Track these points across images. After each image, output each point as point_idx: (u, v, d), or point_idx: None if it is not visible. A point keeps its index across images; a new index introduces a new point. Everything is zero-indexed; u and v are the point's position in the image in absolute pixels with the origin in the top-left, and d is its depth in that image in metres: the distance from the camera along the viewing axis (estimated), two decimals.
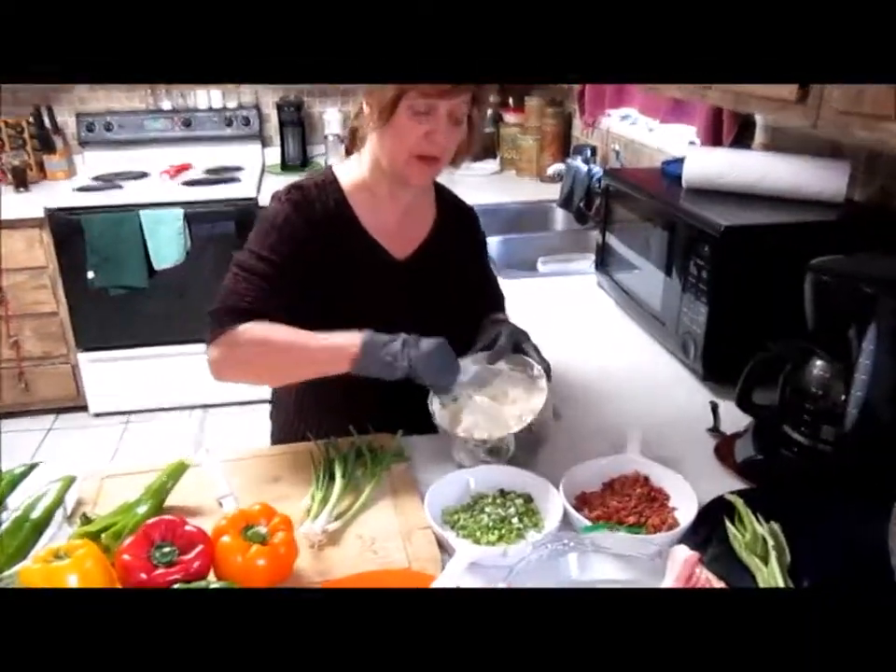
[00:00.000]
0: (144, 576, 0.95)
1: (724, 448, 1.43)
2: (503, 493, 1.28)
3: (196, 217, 3.28)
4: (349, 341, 1.28)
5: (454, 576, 1.05)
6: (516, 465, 1.31)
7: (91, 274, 3.26)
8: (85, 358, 3.52)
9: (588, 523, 1.17)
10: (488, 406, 1.36)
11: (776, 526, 1.19)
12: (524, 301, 2.12)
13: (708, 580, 1.04)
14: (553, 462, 1.35)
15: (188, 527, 1.02)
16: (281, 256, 1.36)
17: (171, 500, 1.22)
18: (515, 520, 1.21)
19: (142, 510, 1.15)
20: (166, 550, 0.98)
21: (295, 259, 1.37)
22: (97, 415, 3.66)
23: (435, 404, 1.36)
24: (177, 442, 3.43)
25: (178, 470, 1.22)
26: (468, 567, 1.08)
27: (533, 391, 1.38)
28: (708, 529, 1.18)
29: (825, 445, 1.27)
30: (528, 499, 1.27)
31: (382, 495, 1.27)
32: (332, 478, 1.27)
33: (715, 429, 1.51)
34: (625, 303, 2.05)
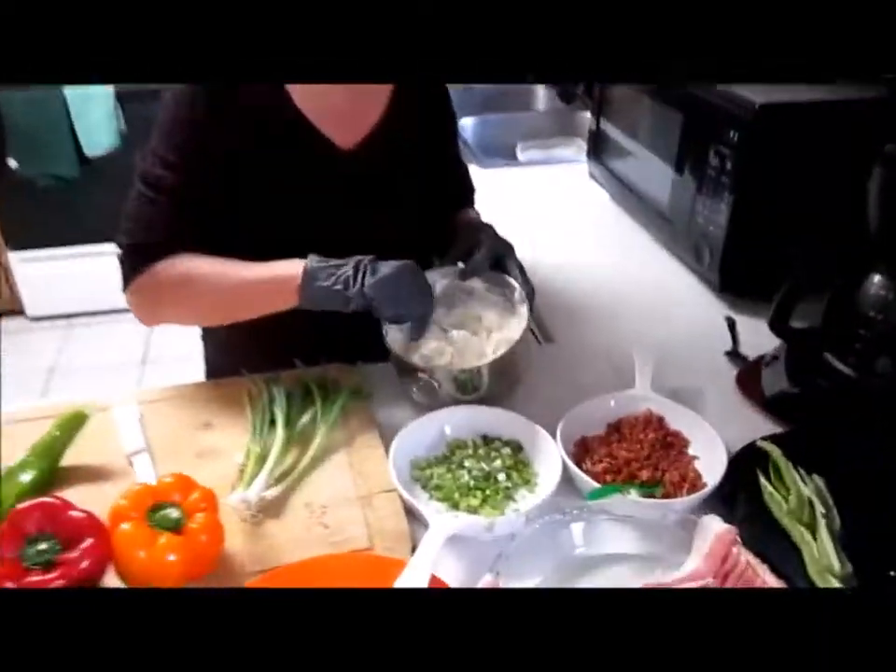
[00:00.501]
0: (11, 584, 0.70)
1: (748, 378, 1.20)
2: (486, 440, 1.04)
3: (130, 95, 2.87)
4: (289, 270, 1.03)
5: (427, 559, 0.82)
6: (494, 405, 1.07)
7: (13, 163, 2.89)
8: (16, 258, 3.18)
9: (592, 483, 0.94)
10: (457, 332, 1.10)
11: (820, 482, 0.97)
12: (500, 195, 1.83)
13: (750, 565, 0.83)
14: (543, 399, 1.11)
15: (73, 513, 0.77)
16: (192, 158, 1.07)
17: (68, 459, 0.96)
18: (502, 476, 0.98)
19: (27, 477, 0.89)
20: (43, 546, 0.74)
21: (211, 160, 1.08)
22: (35, 319, 3.36)
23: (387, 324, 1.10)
24: (126, 348, 3.17)
25: (74, 423, 0.96)
26: (445, 542, 0.85)
27: (510, 319, 1.13)
28: (734, 485, 0.96)
29: (879, 380, 1.04)
30: (517, 448, 1.03)
31: (335, 446, 1.03)
32: (273, 425, 1.02)
33: (734, 353, 1.28)
34: (624, 198, 1.77)
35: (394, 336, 1.10)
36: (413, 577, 0.80)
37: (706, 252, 1.39)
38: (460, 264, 1.15)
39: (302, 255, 1.03)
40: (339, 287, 1.00)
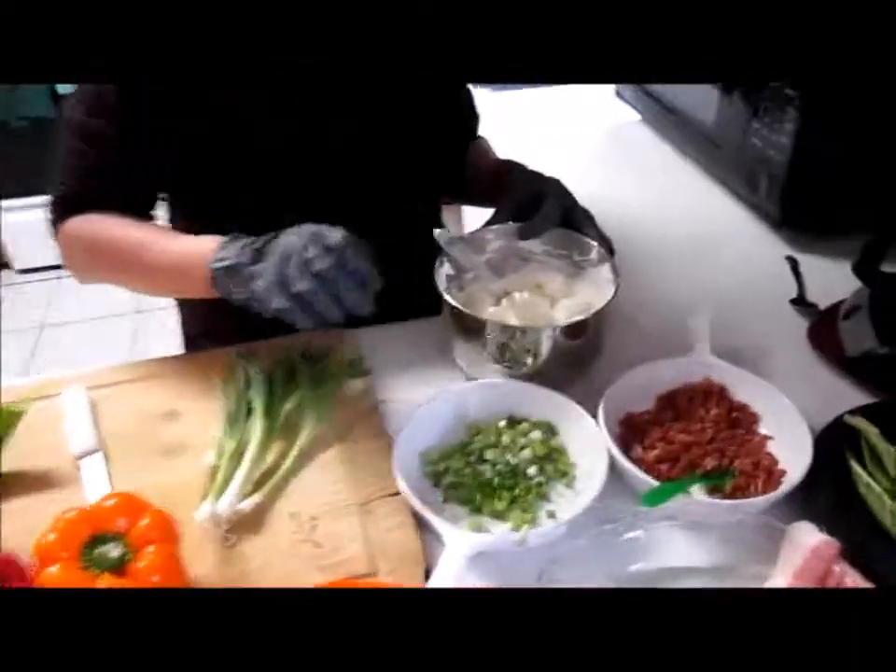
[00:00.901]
0: None
1: (823, 332, 1.00)
2: (512, 423, 0.86)
3: None
4: (200, 247, 0.85)
5: (446, 586, 0.65)
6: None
7: None
8: None
9: (644, 478, 0.75)
10: (518, 294, 0.92)
11: None
12: (514, 120, 1.60)
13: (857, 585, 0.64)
14: (578, 370, 0.92)
15: None
16: (121, 103, 0.91)
17: (7, 462, 0.79)
18: (533, 469, 0.80)
19: None
20: None
21: (145, 103, 0.91)
22: (23, 272, 3.18)
23: (443, 276, 0.91)
24: (120, 300, 2.98)
25: (6, 422, 0.78)
26: (467, 563, 0.67)
27: (581, 284, 0.95)
28: (816, 474, 0.77)
29: None
30: (550, 432, 0.85)
31: (328, 437, 0.84)
32: (249, 413, 0.83)
33: (802, 301, 1.07)
34: (657, 119, 1.53)
35: (457, 294, 0.91)
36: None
37: (762, 180, 1.17)
38: (507, 222, 0.95)
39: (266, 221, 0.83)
40: (246, 290, 0.79)
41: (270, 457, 0.80)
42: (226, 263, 0.80)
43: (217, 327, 1.05)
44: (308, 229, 0.78)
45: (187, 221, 1.02)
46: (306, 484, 0.79)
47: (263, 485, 0.77)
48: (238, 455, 0.79)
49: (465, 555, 0.67)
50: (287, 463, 0.79)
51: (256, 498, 0.75)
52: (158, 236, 0.92)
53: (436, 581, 0.65)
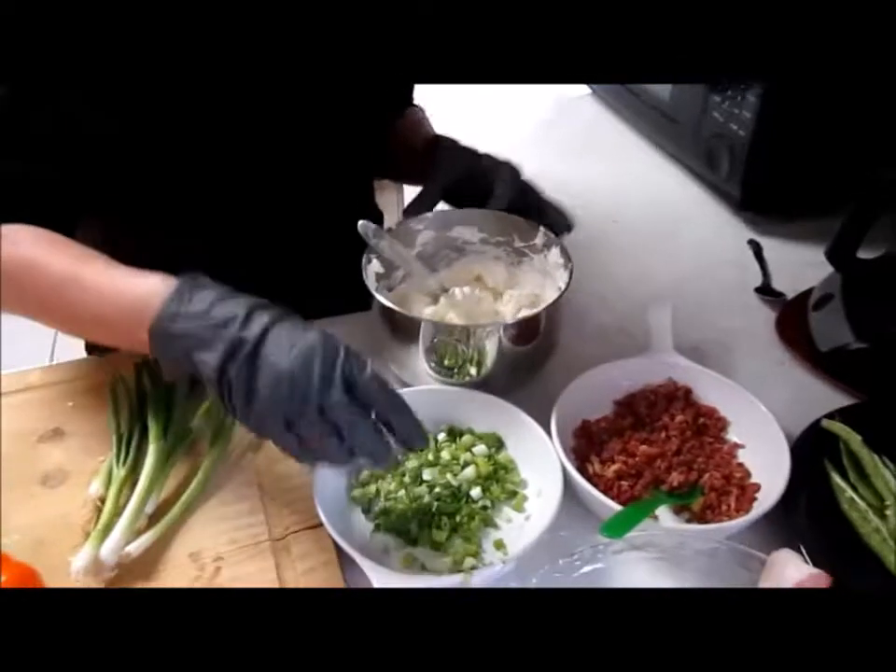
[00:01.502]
0: None
1: (792, 324, 0.92)
2: (452, 435, 0.75)
3: None
4: (145, 291, 0.62)
5: None
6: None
7: None
8: None
9: (601, 499, 0.65)
10: (458, 290, 0.81)
11: None
12: (455, 94, 1.49)
13: None
14: (529, 375, 0.81)
15: None
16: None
17: None
18: (476, 492, 0.69)
19: None
20: None
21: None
22: None
23: (372, 273, 0.80)
24: None
25: None
26: None
27: (529, 275, 0.85)
28: (792, 488, 0.68)
29: None
30: (497, 444, 0.74)
31: (238, 460, 0.73)
32: (144, 433, 0.71)
33: (767, 289, 0.99)
34: (609, 92, 1.43)
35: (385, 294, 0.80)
36: None
37: (722, 158, 1.08)
38: (442, 206, 0.85)
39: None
40: (200, 353, 0.58)
41: (167, 487, 0.68)
42: (182, 327, 0.58)
43: None
44: (315, 340, 0.57)
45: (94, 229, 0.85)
46: (210, 518, 0.67)
47: (159, 521, 0.64)
48: (130, 485, 0.66)
49: None
50: (188, 493, 0.67)
51: (149, 538, 0.63)
52: (89, 263, 0.67)
53: None
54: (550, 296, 0.78)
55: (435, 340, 0.73)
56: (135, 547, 0.62)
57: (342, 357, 0.57)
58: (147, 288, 0.62)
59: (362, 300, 0.81)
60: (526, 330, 0.76)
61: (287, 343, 0.57)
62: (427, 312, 0.79)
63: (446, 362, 0.75)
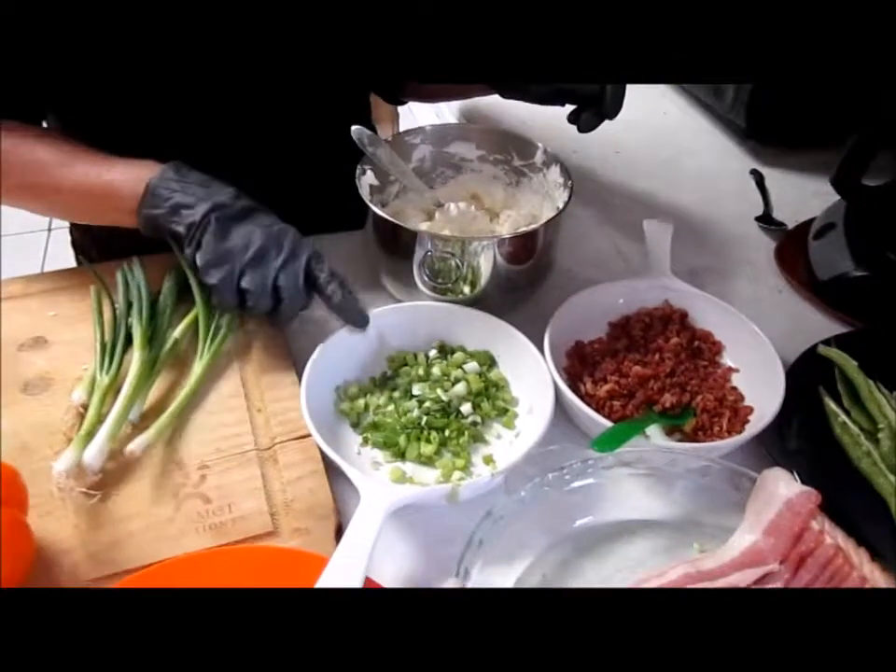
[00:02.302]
0: None
1: (792, 253, 0.90)
2: (443, 352, 0.74)
3: None
4: (128, 176, 0.71)
5: (358, 553, 0.53)
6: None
7: None
8: None
9: (593, 416, 0.64)
10: (453, 205, 0.79)
11: None
12: None
13: (841, 550, 0.55)
14: (524, 296, 0.80)
15: None
16: None
17: None
18: (467, 407, 0.68)
19: None
20: None
21: None
22: None
23: (366, 185, 0.78)
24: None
25: None
26: (387, 519, 0.56)
27: (525, 194, 0.83)
28: (785, 413, 0.67)
29: None
30: (488, 363, 0.73)
31: (225, 370, 0.71)
32: (129, 343, 0.69)
33: (768, 218, 0.97)
34: None
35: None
36: (337, 579, 0.52)
37: (728, 86, 1.05)
38: (447, 115, 0.82)
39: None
40: (176, 226, 0.68)
41: (152, 395, 0.67)
42: (179, 186, 0.68)
43: (112, 246, 0.88)
44: (273, 227, 0.69)
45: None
46: (197, 427, 0.66)
47: (143, 430, 0.63)
48: (113, 393, 0.65)
49: (382, 513, 0.55)
50: (175, 402, 0.66)
51: (133, 445, 0.61)
52: (74, 150, 0.74)
53: (347, 541, 0.54)
54: (548, 216, 0.76)
55: (428, 253, 0.71)
56: (138, 446, 0.60)
57: (310, 248, 0.69)
58: (143, 164, 0.71)
59: (355, 218, 0.79)
60: (522, 249, 0.74)
61: (268, 222, 0.69)
62: (421, 226, 0.77)
63: (439, 278, 0.73)
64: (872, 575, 0.54)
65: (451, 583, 0.51)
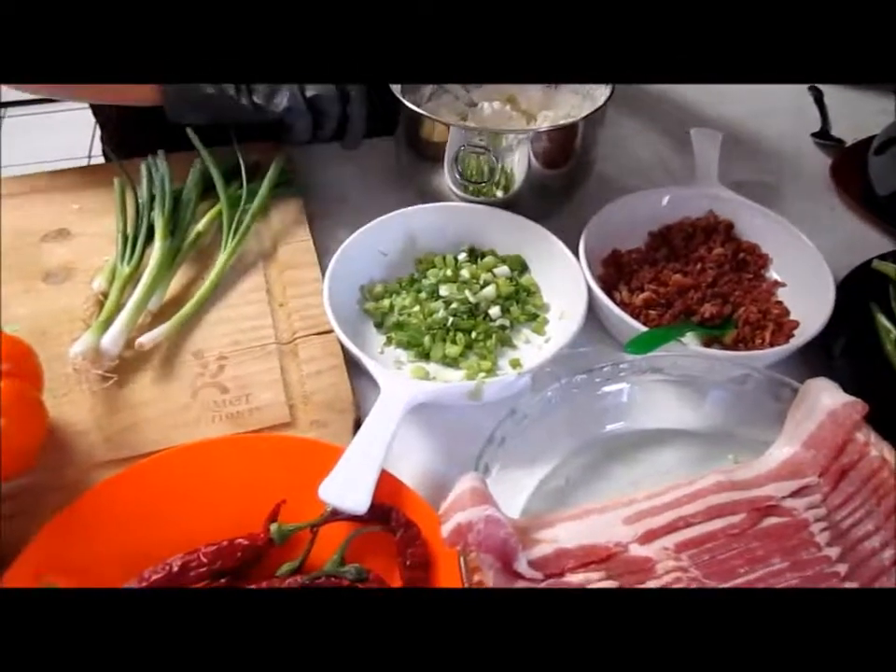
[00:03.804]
0: None
1: (848, 169, 0.84)
2: (473, 255, 0.71)
3: None
4: None
5: (375, 444, 0.52)
6: None
7: None
8: None
9: (628, 321, 0.61)
10: (487, 104, 0.75)
11: None
12: None
13: (886, 464, 0.52)
14: (560, 202, 0.76)
15: None
16: None
17: None
18: (496, 310, 0.66)
19: None
20: None
21: None
22: None
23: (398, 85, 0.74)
24: (73, 141, 2.73)
25: None
26: (407, 416, 0.54)
27: (564, 95, 0.78)
28: (836, 327, 0.63)
29: None
30: (520, 267, 0.70)
31: (246, 264, 0.69)
32: (151, 236, 0.67)
33: (825, 135, 0.91)
34: None
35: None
36: (351, 472, 0.50)
37: None
38: None
39: None
40: None
41: (174, 288, 0.65)
42: None
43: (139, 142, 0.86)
44: None
45: None
46: (217, 320, 0.64)
47: (164, 320, 0.62)
48: (133, 283, 0.64)
49: (402, 406, 0.53)
50: (197, 294, 0.64)
51: (144, 338, 0.60)
52: None
53: (365, 433, 0.52)
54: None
55: (461, 149, 0.68)
56: (148, 339, 0.59)
57: None
58: None
59: (386, 125, 0.76)
60: (558, 149, 0.70)
61: None
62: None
63: (472, 177, 0.70)
64: None
65: (469, 478, 0.49)
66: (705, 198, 0.74)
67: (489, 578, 0.46)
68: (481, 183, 0.70)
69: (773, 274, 0.71)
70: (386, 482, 0.52)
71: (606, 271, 0.70)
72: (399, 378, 0.56)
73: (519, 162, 0.69)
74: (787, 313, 0.67)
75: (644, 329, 0.60)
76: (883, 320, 0.65)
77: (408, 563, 0.49)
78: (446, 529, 0.47)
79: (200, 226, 0.68)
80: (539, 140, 0.68)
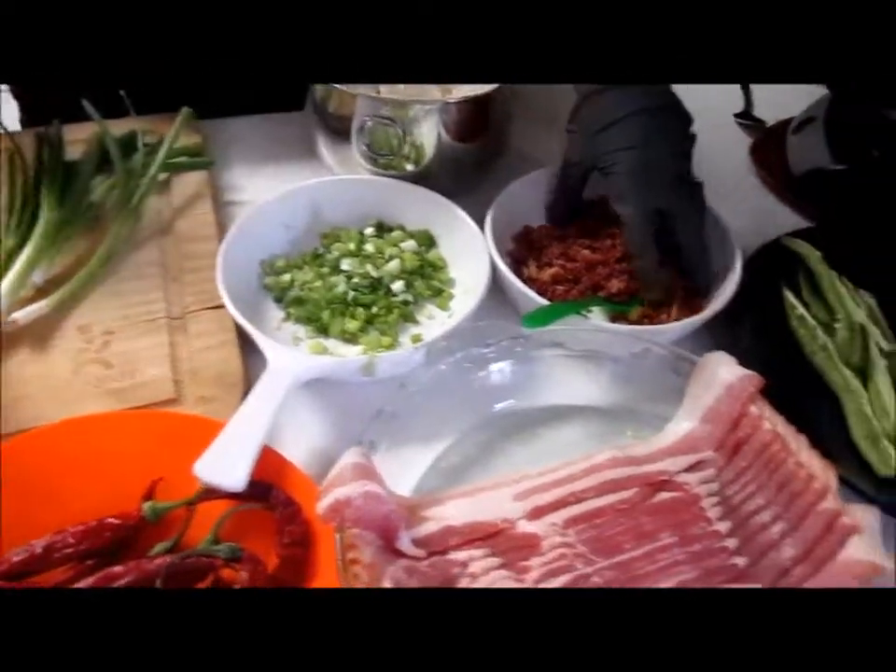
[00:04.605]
0: None
1: (768, 150, 0.84)
2: (381, 230, 0.69)
3: None
4: None
5: (257, 418, 0.50)
6: None
7: None
8: None
9: (531, 296, 0.60)
10: None
11: (873, 303, 0.65)
12: None
13: (779, 437, 0.51)
14: (474, 177, 0.75)
15: None
16: None
17: None
18: (399, 285, 0.64)
19: None
20: None
21: None
22: None
23: None
24: None
25: None
26: (297, 388, 0.52)
27: None
28: (743, 303, 0.63)
29: None
30: (428, 243, 0.68)
31: (145, 238, 0.67)
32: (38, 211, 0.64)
33: (747, 115, 0.91)
34: None
35: None
36: (229, 449, 0.48)
37: None
38: None
39: None
40: None
41: (62, 259, 0.62)
42: None
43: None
44: None
45: None
46: (106, 293, 0.62)
47: (51, 293, 0.59)
48: (20, 255, 0.61)
49: (288, 382, 0.51)
50: (87, 267, 0.61)
51: (39, 307, 0.57)
52: None
53: (247, 407, 0.50)
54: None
55: (366, 120, 0.66)
56: (23, 315, 0.57)
57: None
58: None
59: (297, 98, 0.74)
60: (470, 123, 0.69)
61: None
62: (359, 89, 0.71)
63: (379, 149, 0.68)
64: (809, 462, 0.50)
65: (352, 453, 0.48)
66: None
67: (366, 555, 0.45)
68: (389, 156, 0.68)
69: None
70: (270, 459, 0.50)
71: (516, 246, 0.69)
72: (287, 352, 0.54)
73: (428, 135, 0.67)
74: (696, 290, 0.66)
75: (545, 303, 0.59)
76: (789, 296, 0.65)
77: (286, 541, 0.47)
78: (322, 505, 0.45)
79: (94, 197, 0.66)
80: (449, 112, 0.67)
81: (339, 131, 0.70)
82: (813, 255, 0.66)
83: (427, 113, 0.65)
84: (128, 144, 0.70)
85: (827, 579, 0.47)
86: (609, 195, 0.63)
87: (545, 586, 0.46)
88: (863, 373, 0.59)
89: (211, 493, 0.48)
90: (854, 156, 0.75)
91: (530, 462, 0.54)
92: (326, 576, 0.46)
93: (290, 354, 0.54)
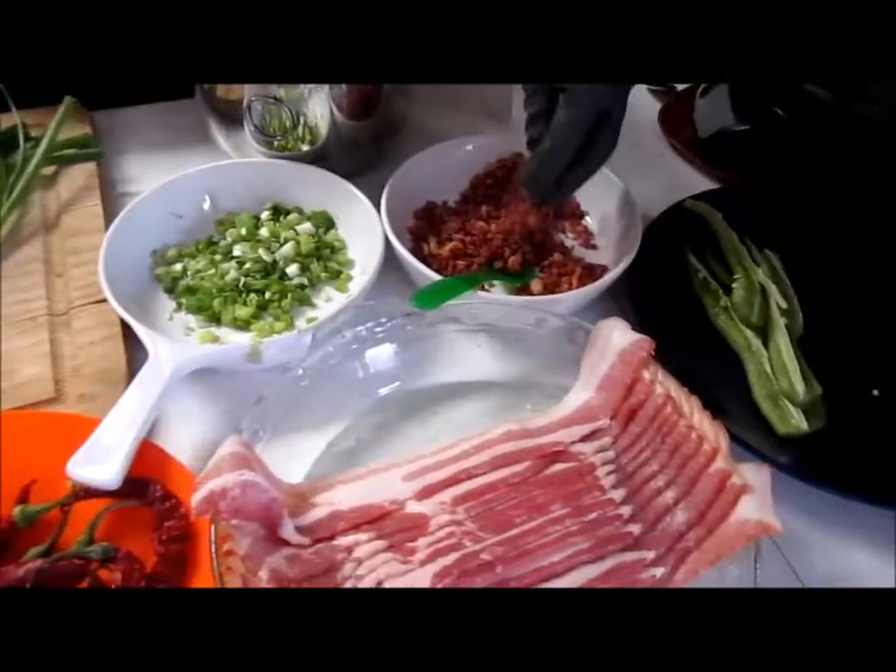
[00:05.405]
0: None
1: (676, 115, 0.84)
2: (277, 213, 0.67)
3: None
4: None
5: (137, 410, 0.48)
6: None
7: None
8: None
9: (425, 272, 0.59)
10: None
11: (776, 262, 0.65)
12: None
13: (671, 400, 0.51)
14: (372, 156, 0.73)
15: None
16: None
17: None
18: (293, 268, 0.62)
19: None
20: None
21: None
22: None
23: None
24: None
25: None
26: (180, 379, 0.51)
27: None
28: (646, 266, 0.62)
29: (871, 110, 0.69)
30: (326, 224, 0.67)
31: (26, 233, 0.64)
32: None
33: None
34: None
35: None
36: (102, 445, 0.46)
37: None
38: None
39: None
40: None
41: None
42: None
43: None
44: None
45: None
46: None
47: None
48: None
49: (168, 373, 0.50)
50: None
51: None
52: None
53: (125, 401, 0.48)
54: None
55: (253, 100, 0.64)
56: None
57: None
58: None
59: (187, 86, 0.71)
60: (362, 100, 0.67)
61: None
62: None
63: (270, 130, 0.66)
64: (701, 424, 0.49)
65: (230, 442, 0.46)
66: (519, 144, 0.71)
67: (243, 545, 0.43)
68: (282, 138, 0.66)
69: (589, 222, 0.69)
70: (150, 453, 0.48)
71: (417, 223, 0.68)
72: (168, 344, 0.52)
73: (320, 114, 0.66)
74: (597, 264, 0.65)
75: (438, 278, 0.58)
76: (692, 259, 0.65)
77: (164, 537, 0.46)
78: (196, 498, 0.43)
79: None
80: (339, 90, 0.65)
81: (231, 115, 0.68)
82: (714, 217, 0.65)
83: (312, 91, 0.63)
84: (10, 139, 0.67)
85: (721, 541, 0.46)
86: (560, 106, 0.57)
87: (432, 566, 0.45)
88: (765, 333, 0.59)
89: (87, 492, 0.46)
90: (758, 116, 0.75)
91: (428, 442, 0.53)
92: (208, 572, 0.45)
93: (172, 345, 0.52)
